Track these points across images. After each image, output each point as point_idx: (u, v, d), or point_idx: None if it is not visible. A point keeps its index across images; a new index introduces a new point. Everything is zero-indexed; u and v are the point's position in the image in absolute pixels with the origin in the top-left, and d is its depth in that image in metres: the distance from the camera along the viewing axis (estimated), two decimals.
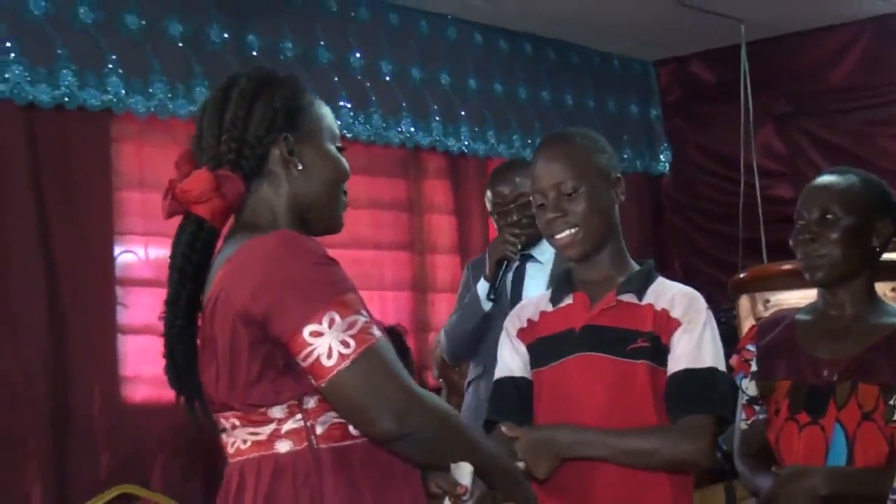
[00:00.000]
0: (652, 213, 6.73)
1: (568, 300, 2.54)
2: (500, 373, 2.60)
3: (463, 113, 5.69)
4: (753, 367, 2.64)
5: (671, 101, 6.78)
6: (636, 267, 2.54)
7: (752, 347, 2.66)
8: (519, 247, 3.75)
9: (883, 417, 2.44)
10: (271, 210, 2.04)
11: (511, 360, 2.58)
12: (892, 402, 2.45)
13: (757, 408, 2.66)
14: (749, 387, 2.65)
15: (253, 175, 2.02)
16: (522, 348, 2.57)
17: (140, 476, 4.46)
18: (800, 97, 6.31)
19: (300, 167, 2.04)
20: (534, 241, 3.78)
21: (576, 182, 2.46)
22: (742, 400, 2.67)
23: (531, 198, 2.57)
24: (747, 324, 3.72)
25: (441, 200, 5.71)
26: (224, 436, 2.01)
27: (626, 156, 6.48)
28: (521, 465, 2.29)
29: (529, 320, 2.59)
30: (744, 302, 4.14)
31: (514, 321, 2.62)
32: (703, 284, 6.09)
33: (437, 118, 5.57)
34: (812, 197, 2.57)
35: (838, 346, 2.53)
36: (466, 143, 5.69)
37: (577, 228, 2.46)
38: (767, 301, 3.96)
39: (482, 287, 3.80)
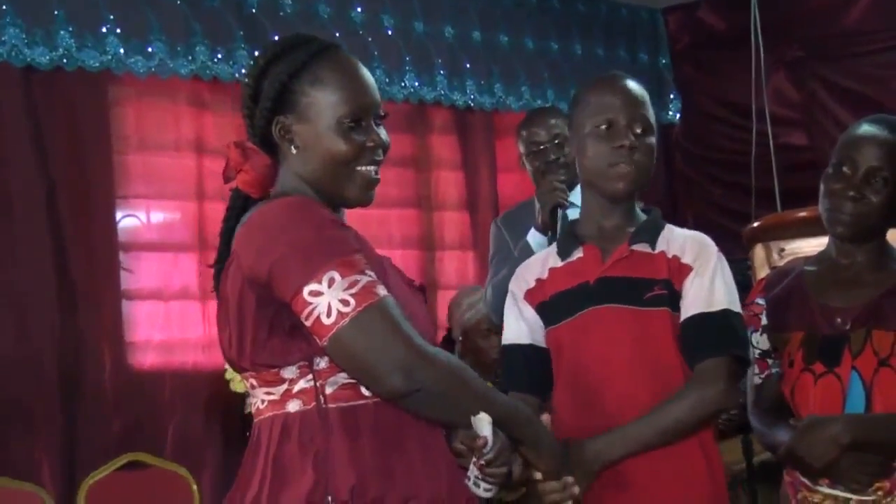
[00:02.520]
0: (663, 163, 6.63)
1: (578, 253, 2.50)
2: (507, 339, 2.56)
3: (468, 66, 5.61)
4: (764, 321, 2.60)
5: (680, 49, 6.68)
6: (642, 216, 2.50)
7: (761, 301, 2.62)
8: (568, 192, 3.65)
9: None
10: (292, 182, 2.05)
11: (517, 326, 2.53)
12: None
13: (770, 361, 2.62)
14: (760, 341, 2.61)
15: (273, 149, 2.07)
16: (529, 311, 2.52)
17: (149, 443, 4.45)
18: (812, 42, 6.22)
19: (294, 149, 2.05)
20: (570, 186, 3.68)
21: (648, 119, 2.46)
22: (754, 354, 2.62)
23: (568, 136, 2.55)
24: (762, 273, 3.66)
25: (448, 156, 5.63)
26: (250, 396, 2.05)
27: None
28: (546, 417, 2.24)
29: (538, 279, 2.53)
30: (758, 251, 4.08)
31: (519, 283, 2.56)
32: (717, 235, 5.97)
33: (442, 72, 5.49)
34: (860, 149, 2.48)
35: (850, 294, 2.50)
36: (473, 96, 5.62)
37: (640, 164, 2.43)
38: (783, 250, 3.90)
39: (535, 238, 3.66)
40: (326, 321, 1.87)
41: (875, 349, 2.43)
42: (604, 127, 2.44)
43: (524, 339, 2.51)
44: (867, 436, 2.39)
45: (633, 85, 2.49)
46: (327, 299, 1.87)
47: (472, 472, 2.00)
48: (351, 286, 1.88)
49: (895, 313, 2.44)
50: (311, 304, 1.87)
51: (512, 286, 2.58)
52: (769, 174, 5.83)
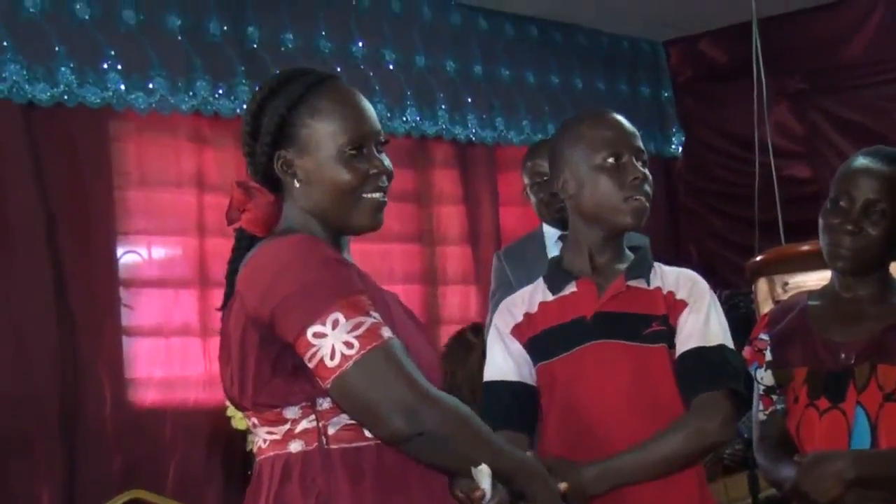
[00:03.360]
0: (665, 197, 6.64)
1: (571, 288, 2.47)
2: (491, 375, 2.50)
3: (470, 100, 5.61)
4: (768, 357, 2.58)
5: (682, 82, 6.69)
6: (629, 254, 2.50)
7: (765, 336, 2.60)
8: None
9: None
10: (298, 218, 2.04)
11: (503, 361, 2.48)
12: None
13: (774, 398, 2.59)
14: (765, 377, 2.59)
15: (275, 186, 2.05)
16: (516, 347, 2.48)
17: (150, 480, 4.41)
18: (814, 74, 6.22)
19: (297, 183, 2.03)
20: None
21: (645, 156, 2.47)
22: (758, 391, 2.61)
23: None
24: (766, 307, 3.65)
25: (449, 190, 5.62)
26: (251, 434, 2.05)
27: None
28: (563, 486, 2.17)
29: (526, 314, 2.50)
30: (762, 285, 4.06)
31: (504, 317, 2.52)
32: (720, 268, 6.03)
33: (444, 106, 5.49)
34: (856, 182, 2.46)
35: (854, 329, 2.48)
36: (474, 130, 5.61)
37: (649, 197, 2.45)
38: (786, 284, 3.87)
39: None
40: (330, 364, 1.85)
41: (880, 384, 2.41)
42: (612, 160, 2.42)
43: (511, 375, 2.47)
44: (872, 471, 2.36)
45: (625, 119, 2.51)
46: (331, 341, 1.85)
47: None
48: (355, 328, 1.86)
49: None
50: (314, 346, 1.86)
51: (497, 321, 2.53)
52: (772, 206, 5.81)
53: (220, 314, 2.06)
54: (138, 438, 4.44)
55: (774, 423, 2.58)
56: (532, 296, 2.52)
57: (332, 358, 1.85)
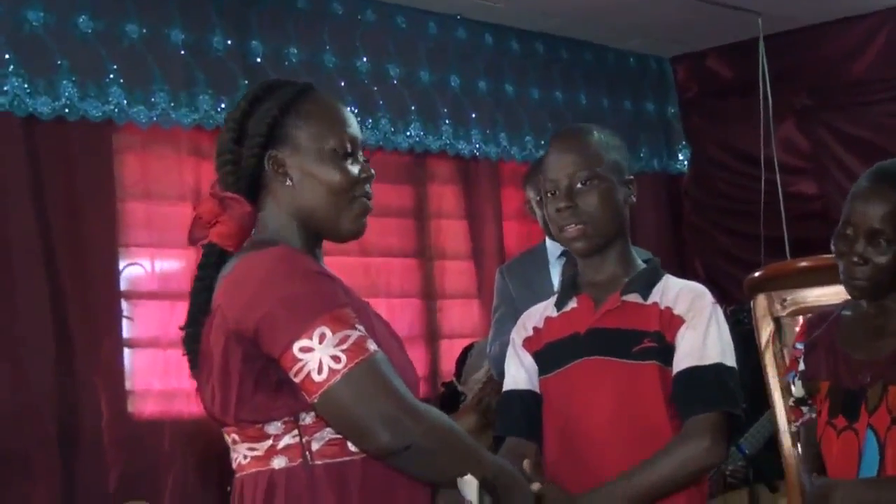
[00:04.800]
0: (671, 213, 6.63)
1: (572, 304, 2.48)
2: (506, 386, 2.54)
3: (474, 115, 5.61)
4: (801, 366, 2.54)
5: (689, 98, 6.67)
6: (642, 266, 2.48)
7: (800, 345, 2.56)
8: None
9: None
10: (279, 225, 2.04)
11: (517, 372, 2.52)
12: None
13: (805, 408, 2.56)
14: (796, 387, 2.56)
15: (256, 193, 2.03)
16: (528, 359, 2.51)
17: (149, 492, 4.42)
18: (821, 91, 6.19)
19: (289, 183, 2.03)
20: None
21: (589, 174, 2.40)
22: (789, 402, 2.59)
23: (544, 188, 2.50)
24: (764, 324, 3.60)
25: (451, 205, 5.62)
26: (231, 450, 2.02)
27: (642, 155, 6.39)
28: (535, 486, 2.17)
29: (535, 328, 2.53)
30: (760, 301, 3.99)
31: (519, 331, 2.56)
32: (726, 284, 6.00)
33: (447, 121, 5.49)
34: (861, 211, 2.39)
35: (875, 345, 2.43)
36: (478, 146, 5.61)
37: (586, 223, 2.40)
38: (784, 300, 3.83)
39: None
40: (317, 378, 1.84)
41: (889, 406, 2.35)
42: (549, 189, 2.44)
43: (522, 384, 2.50)
44: (870, 500, 2.33)
45: (577, 136, 2.48)
46: (318, 355, 1.84)
47: None
48: (342, 342, 1.85)
49: None
50: (301, 360, 1.84)
51: (513, 334, 2.57)
52: (778, 223, 5.80)
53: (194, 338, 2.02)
54: (137, 450, 4.44)
55: (811, 433, 2.54)
56: (544, 310, 2.54)
57: (319, 372, 1.84)
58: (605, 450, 2.37)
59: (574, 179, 2.40)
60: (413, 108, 5.36)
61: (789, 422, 2.71)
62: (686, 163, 6.66)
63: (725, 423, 2.35)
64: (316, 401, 1.86)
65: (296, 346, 1.84)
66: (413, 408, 1.88)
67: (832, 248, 2.46)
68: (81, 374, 4.34)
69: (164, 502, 4.44)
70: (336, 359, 1.84)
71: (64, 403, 4.29)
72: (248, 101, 2.06)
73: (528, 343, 2.52)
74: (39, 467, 4.21)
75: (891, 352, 2.41)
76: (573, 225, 2.40)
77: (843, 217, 2.43)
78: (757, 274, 4.29)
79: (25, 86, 4.19)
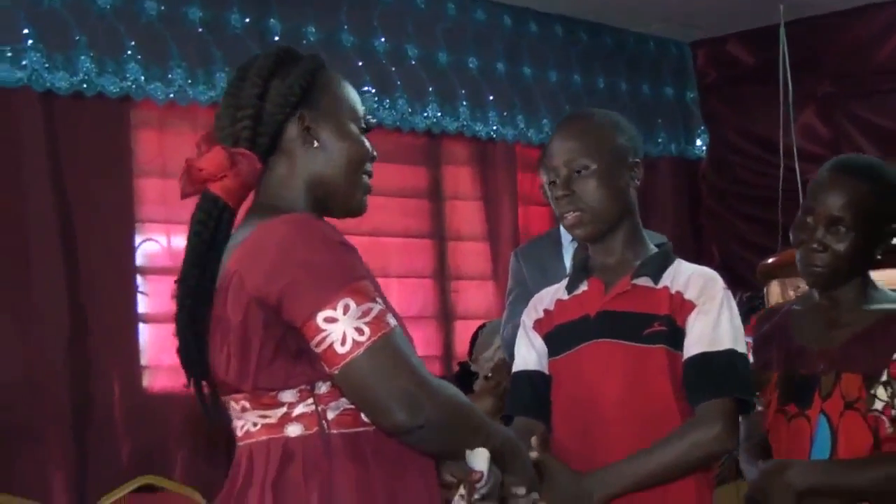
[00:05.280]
0: (688, 198, 6.61)
1: (583, 287, 2.49)
2: (516, 367, 2.56)
3: (491, 97, 5.60)
4: (750, 359, 2.53)
5: (708, 84, 6.64)
6: (654, 250, 2.47)
7: (748, 339, 2.55)
8: None
9: (865, 406, 2.37)
10: (289, 190, 2.01)
11: (527, 353, 2.53)
12: (872, 392, 2.37)
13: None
14: None
15: (269, 153, 2.00)
16: (538, 341, 2.52)
17: (162, 466, 4.44)
18: (842, 78, 6.15)
19: (316, 145, 2.01)
20: None
21: (587, 160, 2.40)
22: None
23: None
24: None
25: (467, 187, 5.62)
26: (234, 419, 1.99)
27: (660, 140, 6.37)
28: (534, 454, 2.19)
29: (546, 310, 2.53)
30: (774, 287, 4.03)
31: (530, 313, 2.57)
32: (742, 270, 5.99)
33: (465, 103, 5.48)
34: (820, 198, 2.42)
35: (828, 336, 2.46)
36: (495, 128, 5.60)
37: (584, 210, 2.40)
38: (798, 287, 3.83)
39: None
40: (340, 349, 1.82)
41: (843, 392, 2.39)
42: (550, 174, 2.45)
43: (532, 365, 2.51)
44: (824, 482, 2.35)
45: (578, 123, 2.49)
46: (342, 327, 1.82)
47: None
48: (365, 314, 1.83)
49: (864, 356, 2.40)
50: (324, 330, 1.82)
51: (524, 316, 2.58)
52: (796, 210, 5.73)
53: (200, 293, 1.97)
54: (150, 424, 4.46)
55: (755, 425, 2.57)
56: (555, 293, 2.55)
57: (342, 344, 1.82)
58: (613, 431, 2.37)
59: (572, 167, 2.40)
60: (430, 89, 5.35)
61: None
62: (704, 148, 6.64)
63: (737, 409, 2.36)
64: (336, 372, 1.84)
65: (320, 316, 1.82)
66: (428, 385, 1.87)
67: (791, 237, 2.48)
68: (96, 349, 4.36)
69: (177, 476, 4.45)
70: (359, 331, 1.82)
71: (78, 378, 4.31)
72: (272, 61, 2.01)
73: (538, 325, 2.53)
74: (53, 441, 4.24)
75: (844, 341, 2.43)
76: (571, 212, 2.41)
77: (803, 207, 2.46)
78: (770, 260, 4.31)
79: (44, 61, 4.20)
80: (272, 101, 1.98)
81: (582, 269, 2.51)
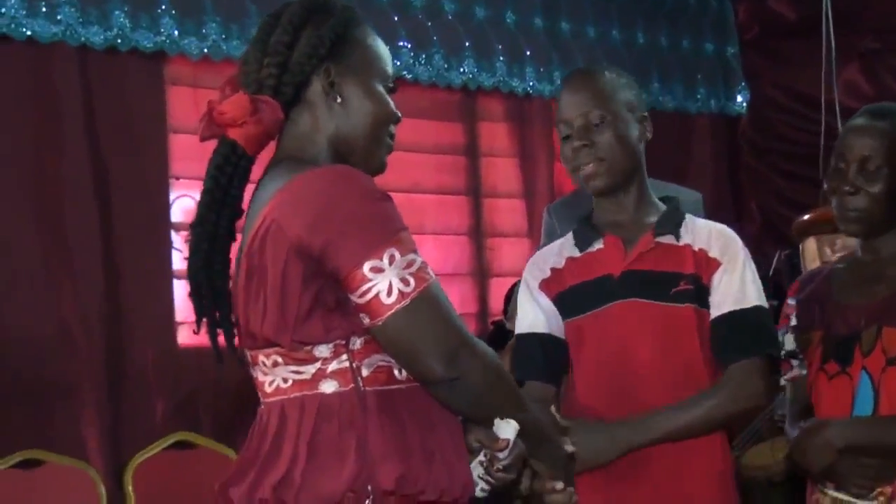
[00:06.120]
0: (728, 154, 6.54)
1: (598, 244, 2.45)
2: (521, 328, 2.51)
3: (528, 53, 5.54)
4: (793, 321, 2.54)
5: (749, 39, 6.54)
6: (661, 206, 2.46)
7: (792, 301, 2.56)
8: None
9: None
10: (311, 144, 1.98)
11: (533, 314, 2.49)
12: None
13: (795, 362, 2.56)
14: (786, 340, 2.55)
15: (293, 103, 1.96)
16: (545, 300, 2.48)
17: (196, 423, 4.46)
18: (886, 34, 6.05)
19: (339, 101, 1.98)
20: None
21: (603, 112, 2.40)
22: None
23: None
24: (812, 267, 3.56)
25: (503, 143, 5.59)
26: (260, 374, 1.97)
27: (700, 96, 6.30)
28: (569, 448, 2.16)
29: (554, 269, 2.49)
30: (810, 244, 3.95)
31: (533, 272, 2.53)
32: (782, 227, 5.92)
33: (502, 58, 5.43)
34: (850, 142, 2.41)
35: (870, 291, 2.43)
36: (532, 83, 5.55)
37: (603, 160, 2.38)
38: (835, 244, 3.77)
39: None
40: (387, 300, 1.81)
41: (884, 347, 2.36)
42: (563, 128, 2.43)
43: (541, 327, 2.47)
44: (863, 439, 2.34)
45: (588, 77, 2.48)
46: (388, 277, 1.80)
47: (477, 470, 1.94)
48: (409, 266, 1.82)
49: None
50: (371, 280, 1.81)
51: (526, 275, 2.54)
52: None
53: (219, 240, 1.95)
54: (185, 380, 4.47)
55: (799, 388, 2.55)
56: (561, 251, 2.51)
57: (389, 294, 1.80)
58: (646, 391, 2.37)
59: (589, 118, 2.40)
60: (467, 44, 5.30)
61: None
62: (744, 104, 6.55)
63: (770, 365, 2.38)
64: (380, 323, 1.82)
65: (367, 266, 1.80)
66: (467, 340, 1.86)
67: (825, 187, 2.48)
68: (131, 305, 4.38)
69: (212, 432, 4.46)
70: (405, 281, 1.81)
71: (113, 333, 4.33)
72: (305, 9, 1.98)
73: (545, 285, 2.48)
74: (87, 397, 4.26)
75: (887, 295, 2.40)
76: (590, 163, 2.39)
77: (835, 153, 2.44)
78: (806, 217, 4.23)
79: (78, 15, 4.20)
80: (300, 50, 1.95)
81: (589, 226, 2.48)
